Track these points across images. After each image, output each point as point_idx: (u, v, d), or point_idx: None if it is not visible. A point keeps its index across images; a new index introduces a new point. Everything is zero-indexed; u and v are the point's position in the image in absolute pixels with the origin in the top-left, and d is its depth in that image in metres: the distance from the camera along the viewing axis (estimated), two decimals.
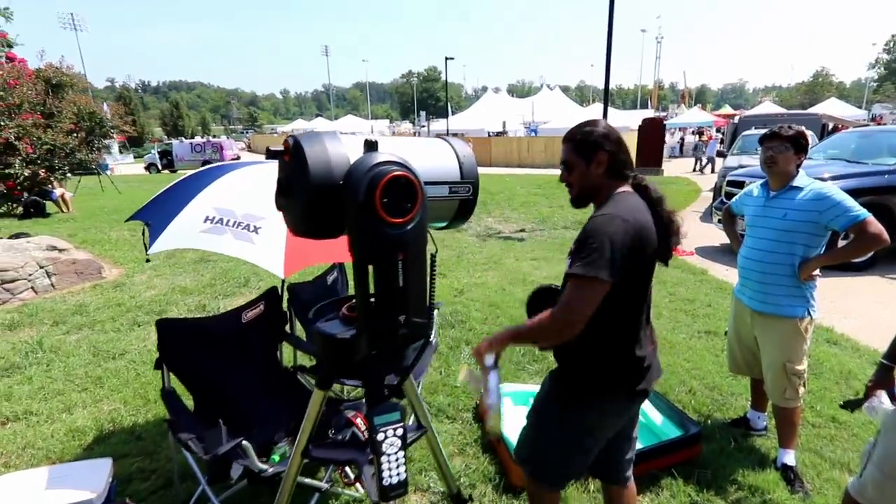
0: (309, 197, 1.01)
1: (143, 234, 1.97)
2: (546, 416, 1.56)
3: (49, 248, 5.52)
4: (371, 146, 1.06)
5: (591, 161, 1.44)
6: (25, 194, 7.87)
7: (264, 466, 1.82)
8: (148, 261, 3.99)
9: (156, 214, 2.03)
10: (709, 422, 2.82)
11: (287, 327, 2.62)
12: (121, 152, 21.64)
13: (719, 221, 7.24)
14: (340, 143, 1.07)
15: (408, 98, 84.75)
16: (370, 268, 1.05)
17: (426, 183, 1.15)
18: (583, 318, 1.27)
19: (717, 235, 7.38)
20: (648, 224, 1.36)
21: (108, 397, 3.15)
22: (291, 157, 1.06)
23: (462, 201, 1.25)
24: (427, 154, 1.22)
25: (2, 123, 5.34)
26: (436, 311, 1.52)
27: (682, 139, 25.61)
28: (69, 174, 7.46)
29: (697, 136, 21.66)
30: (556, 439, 1.53)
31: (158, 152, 26.06)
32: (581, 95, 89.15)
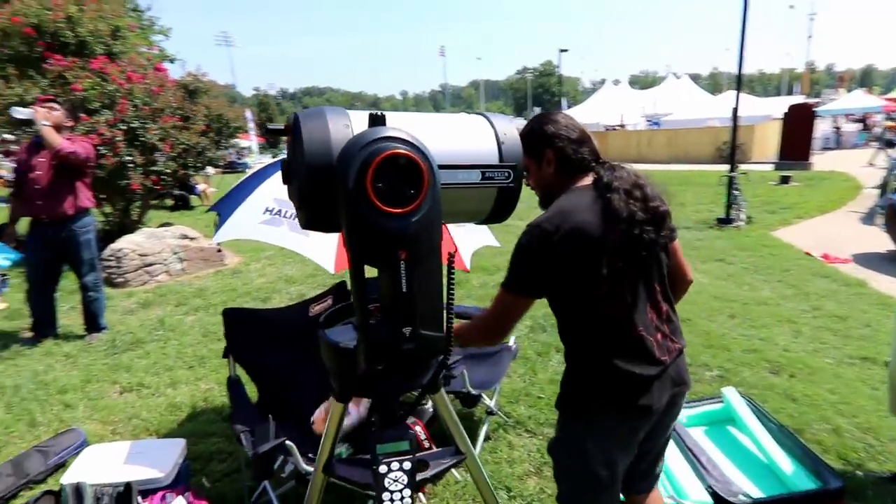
0: (304, 181, 0.86)
1: (214, 223, 2.00)
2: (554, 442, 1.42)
3: (182, 236, 6.18)
4: (376, 120, 0.88)
5: (540, 160, 1.35)
6: (172, 189, 8.97)
7: (308, 468, 1.74)
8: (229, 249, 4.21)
9: (226, 206, 2.06)
10: (858, 473, 2.24)
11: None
12: (261, 152, 24.10)
13: (885, 223, 6.08)
14: (346, 118, 0.90)
15: (522, 94, 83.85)
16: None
17: (450, 166, 0.94)
18: (505, 328, 1.33)
19: (881, 240, 6.13)
20: (592, 221, 1.20)
21: (207, 377, 3.37)
22: (292, 137, 0.92)
23: (501, 189, 1.02)
24: (454, 132, 1.01)
25: (147, 126, 5.99)
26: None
27: (839, 128, 21.96)
28: (206, 170, 8.32)
29: (861, 123, 18.25)
30: (570, 473, 1.39)
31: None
32: (714, 84, 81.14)
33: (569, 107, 34.88)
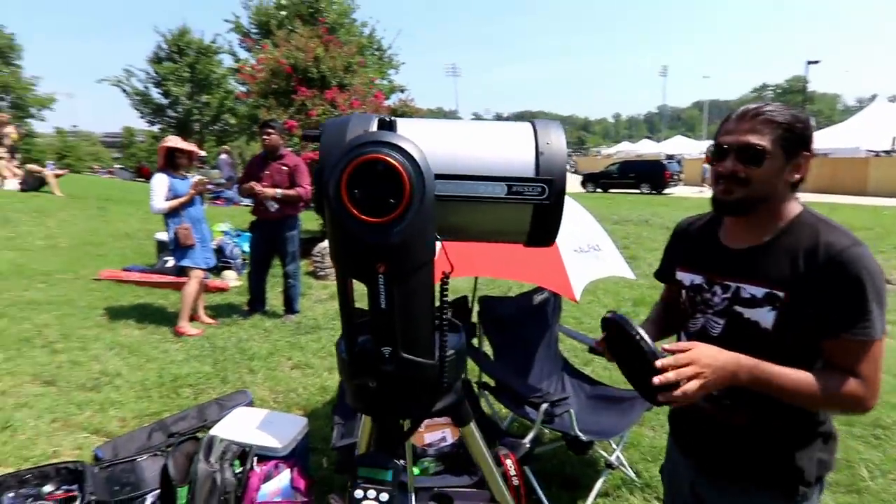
0: (317, 187, 0.88)
1: None
2: None
3: None
4: (383, 125, 0.85)
5: (791, 159, 1.07)
6: None
7: None
8: None
9: None
10: None
11: (475, 341, 2.53)
12: None
13: None
14: (368, 125, 0.90)
15: None
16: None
17: (468, 177, 0.87)
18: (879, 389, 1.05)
19: None
20: None
21: None
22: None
23: (537, 207, 0.89)
24: (485, 141, 0.92)
25: None
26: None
27: None
28: None
29: None
30: None
31: None
32: None
33: (818, 128, 29.05)
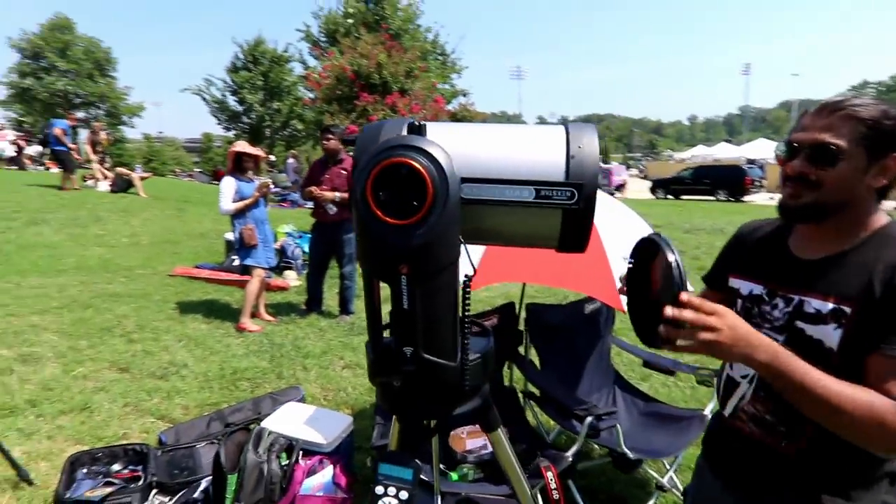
0: (350, 191, 0.90)
1: None
2: None
3: None
4: (412, 129, 0.85)
5: (875, 161, 0.95)
6: None
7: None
8: None
9: None
10: None
11: (522, 349, 2.48)
12: None
13: None
14: (401, 129, 0.91)
15: None
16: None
17: (495, 181, 0.85)
18: None
19: None
20: None
21: None
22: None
23: (566, 212, 0.86)
24: (513, 143, 0.89)
25: None
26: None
27: None
28: None
29: None
30: None
31: None
32: None
33: None
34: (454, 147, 0.84)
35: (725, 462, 1.16)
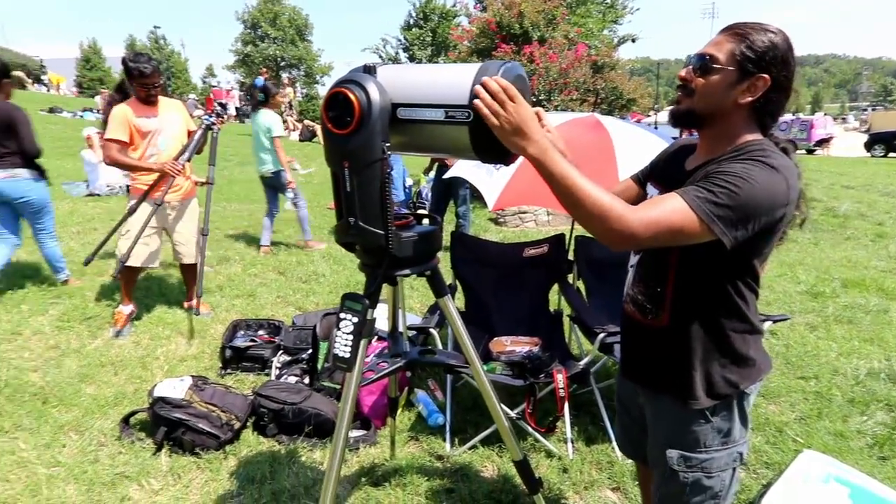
0: None
1: None
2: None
3: None
4: (367, 70, 1.25)
5: (745, 79, 1.04)
6: None
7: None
8: None
9: None
10: None
11: (571, 278, 2.72)
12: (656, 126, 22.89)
13: None
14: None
15: None
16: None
17: (420, 105, 1.21)
18: (646, 236, 1.03)
19: None
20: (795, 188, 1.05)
21: None
22: None
23: (471, 128, 1.18)
24: (438, 77, 1.23)
25: (552, 98, 7.09)
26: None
27: None
28: None
29: None
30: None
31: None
32: None
33: None
34: (394, 81, 1.23)
35: (623, 350, 1.35)
